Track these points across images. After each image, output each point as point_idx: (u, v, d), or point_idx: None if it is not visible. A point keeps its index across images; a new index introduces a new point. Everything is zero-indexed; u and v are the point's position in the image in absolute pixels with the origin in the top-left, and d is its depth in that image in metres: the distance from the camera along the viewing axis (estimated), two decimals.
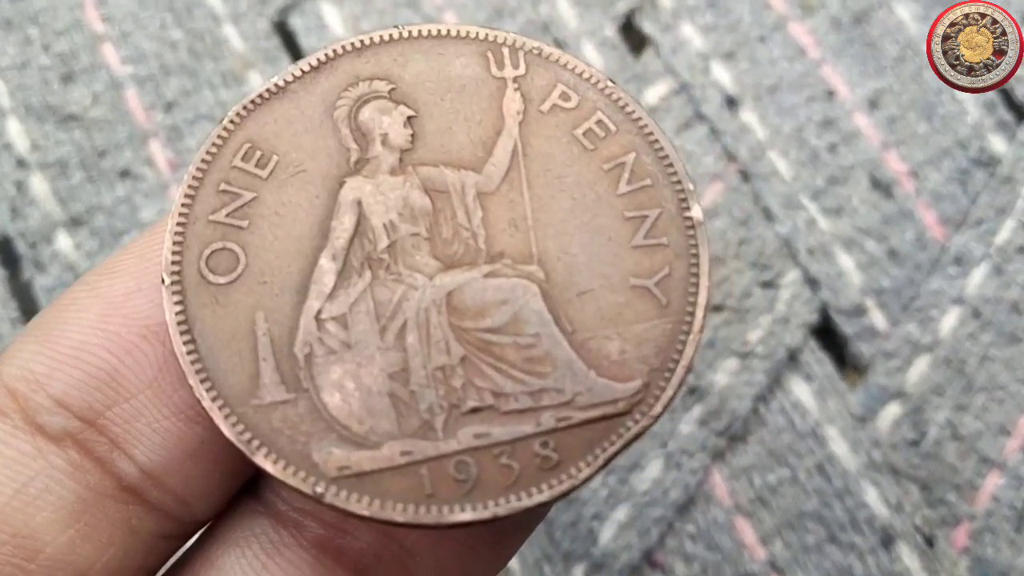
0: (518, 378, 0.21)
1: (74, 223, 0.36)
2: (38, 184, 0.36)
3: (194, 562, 0.22)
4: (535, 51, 0.22)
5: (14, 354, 0.22)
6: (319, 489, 0.20)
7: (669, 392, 0.21)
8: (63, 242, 0.35)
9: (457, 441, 0.20)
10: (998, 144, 0.36)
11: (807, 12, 0.38)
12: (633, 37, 0.38)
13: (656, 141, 0.22)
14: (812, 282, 0.34)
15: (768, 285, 0.35)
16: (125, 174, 0.36)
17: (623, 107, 0.22)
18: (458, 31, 0.22)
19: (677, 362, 0.21)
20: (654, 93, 0.37)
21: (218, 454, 0.22)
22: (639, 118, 0.22)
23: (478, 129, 0.22)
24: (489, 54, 0.22)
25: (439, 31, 0.22)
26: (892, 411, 0.33)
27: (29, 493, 0.21)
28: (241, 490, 0.23)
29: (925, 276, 0.34)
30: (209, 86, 0.37)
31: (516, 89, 0.22)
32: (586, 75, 0.22)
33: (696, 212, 0.21)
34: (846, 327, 0.34)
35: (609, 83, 0.22)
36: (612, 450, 0.20)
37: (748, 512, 0.33)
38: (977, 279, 0.34)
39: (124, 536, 0.21)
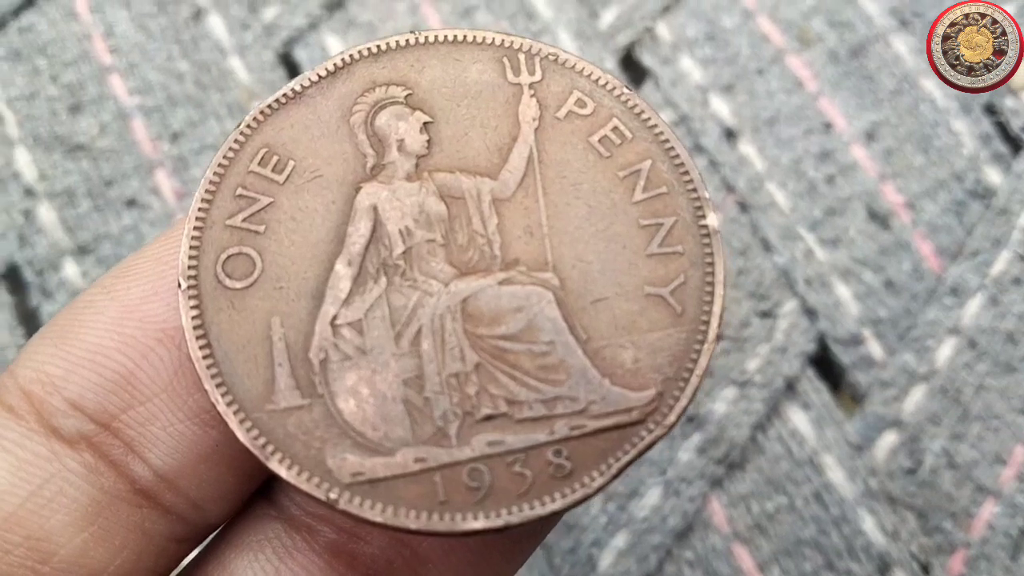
0: (532, 386, 0.20)
1: (81, 251, 0.36)
2: (46, 213, 0.36)
3: (207, 565, 0.22)
4: (551, 57, 0.22)
5: (30, 356, 0.22)
6: (333, 495, 0.20)
7: (683, 402, 0.20)
8: (70, 270, 0.36)
9: (471, 448, 0.20)
10: (994, 176, 0.36)
11: (805, 45, 0.38)
12: (633, 69, 0.38)
13: (672, 148, 0.22)
14: (810, 312, 0.35)
15: (766, 315, 0.35)
16: (132, 203, 0.36)
17: (639, 114, 0.22)
18: (474, 36, 0.22)
19: (691, 371, 0.20)
20: None
21: (232, 458, 0.21)
22: (655, 125, 0.22)
23: (494, 135, 0.22)
24: (505, 60, 0.22)
25: (455, 36, 0.22)
26: (889, 440, 0.33)
27: (43, 496, 0.21)
28: (254, 494, 0.23)
29: (921, 306, 0.35)
30: (215, 117, 0.37)
31: (532, 95, 0.22)
32: (602, 82, 0.22)
33: (712, 220, 0.21)
34: (843, 356, 0.34)
35: (625, 90, 0.22)
36: (625, 459, 0.20)
37: (746, 539, 0.33)
38: (973, 310, 0.34)
39: (137, 539, 0.21)
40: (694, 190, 0.21)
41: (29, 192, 0.37)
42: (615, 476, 0.20)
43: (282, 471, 0.20)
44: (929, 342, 0.34)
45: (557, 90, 0.22)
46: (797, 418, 0.34)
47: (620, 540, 0.33)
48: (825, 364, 0.35)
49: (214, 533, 0.23)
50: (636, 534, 0.33)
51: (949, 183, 0.36)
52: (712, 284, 0.21)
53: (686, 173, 0.21)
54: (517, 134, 0.22)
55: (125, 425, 0.21)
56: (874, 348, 0.34)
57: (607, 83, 0.22)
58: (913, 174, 0.36)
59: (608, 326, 0.21)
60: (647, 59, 0.38)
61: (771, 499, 0.33)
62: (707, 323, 0.21)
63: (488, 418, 0.20)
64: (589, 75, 0.22)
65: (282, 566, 0.22)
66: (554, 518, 0.21)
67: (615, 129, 0.22)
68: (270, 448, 0.20)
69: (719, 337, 0.21)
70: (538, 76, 0.22)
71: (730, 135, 0.37)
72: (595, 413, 0.20)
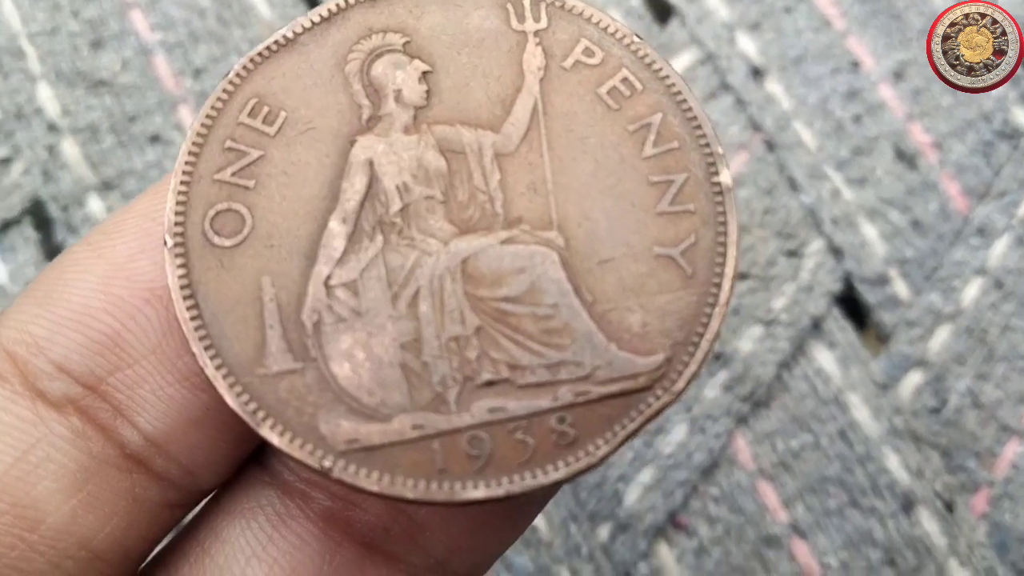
0: (535, 350, 0.19)
1: (105, 187, 0.35)
2: (69, 148, 0.36)
3: (198, 532, 0.21)
4: (557, 3, 0.21)
5: (13, 316, 0.21)
6: (327, 463, 0.19)
7: (693, 367, 0.19)
8: (94, 205, 0.35)
9: (471, 415, 0.19)
10: (1021, 117, 0.35)
11: None
12: (659, 6, 0.37)
13: (684, 101, 0.20)
14: (836, 251, 0.34)
15: (792, 254, 0.34)
16: (155, 139, 0.36)
17: (650, 64, 0.20)
18: None
19: (702, 336, 0.19)
20: (680, 63, 0.36)
21: (224, 422, 0.20)
22: (666, 76, 0.20)
23: (496, 86, 0.20)
24: (509, 6, 0.21)
25: None
26: (914, 379, 0.33)
27: (29, 461, 0.20)
28: (247, 459, 0.22)
29: (948, 247, 0.34)
30: (237, 53, 0.36)
31: (537, 44, 0.21)
32: (611, 30, 0.21)
33: (725, 177, 0.20)
34: (869, 296, 0.34)
35: (635, 39, 0.21)
36: (631, 427, 0.19)
37: (771, 476, 0.32)
38: (999, 250, 0.34)
39: (128, 506, 0.20)
40: (707, 145, 0.20)
41: (52, 127, 0.36)
42: (621, 444, 0.19)
43: (274, 438, 0.19)
44: (955, 282, 0.34)
45: (564, 38, 0.21)
46: (822, 357, 0.34)
47: (646, 475, 0.33)
48: (851, 303, 0.34)
49: (206, 499, 0.22)
50: (662, 470, 0.33)
51: (977, 123, 0.35)
52: (724, 245, 0.20)
53: (699, 127, 0.20)
54: (521, 85, 0.20)
55: (113, 388, 0.20)
56: (900, 288, 0.34)
57: (616, 31, 0.21)
58: (941, 114, 0.35)
59: (615, 288, 0.20)
60: None
61: (796, 437, 0.33)
62: (719, 285, 0.19)
63: (489, 384, 0.19)
64: (597, 23, 0.21)
65: (275, 533, 0.21)
66: (557, 486, 0.20)
67: (625, 80, 0.20)
68: (261, 414, 0.19)
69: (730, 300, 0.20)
70: (544, 23, 0.21)
71: (757, 74, 0.36)
72: (600, 379, 0.19)
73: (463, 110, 0.20)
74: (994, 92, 0.36)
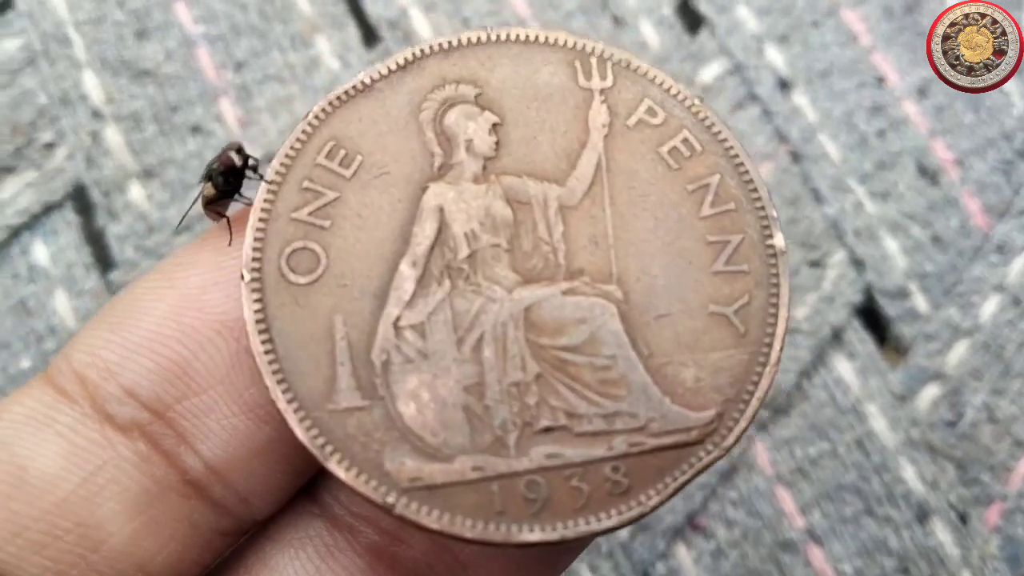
0: (592, 400, 0.20)
1: (146, 174, 0.35)
2: (112, 135, 0.35)
3: (247, 560, 0.22)
4: (623, 63, 0.21)
5: (85, 339, 0.21)
6: (390, 499, 0.19)
7: (743, 424, 0.20)
8: (136, 192, 0.35)
9: (529, 459, 0.19)
10: None
11: None
12: (690, 16, 0.37)
13: (741, 164, 0.21)
14: (858, 263, 0.34)
15: (815, 264, 0.34)
16: (196, 129, 0.35)
17: (709, 127, 0.21)
18: (546, 37, 0.21)
19: (752, 394, 0.20)
20: (709, 72, 0.36)
21: (284, 455, 0.21)
22: (725, 139, 0.21)
23: (563, 140, 0.21)
24: (577, 63, 0.21)
25: (527, 36, 0.21)
26: (931, 392, 0.33)
27: (96, 483, 0.20)
28: (297, 491, 0.22)
29: (967, 263, 0.34)
30: (278, 48, 0.36)
31: (603, 101, 0.21)
32: (673, 91, 0.21)
33: (779, 240, 0.20)
34: (889, 308, 0.34)
35: (696, 101, 0.21)
36: (682, 479, 0.19)
37: (788, 482, 0.32)
38: (1018, 267, 0.34)
39: (185, 531, 0.20)
40: (762, 208, 0.20)
41: (96, 114, 0.36)
42: (671, 495, 0.19)
43: (340, 472, 0.19)
44: (974, 298, 0.34)
45: (628, 97, 0.21)
46: (842, 367, 0.33)
47: None
48: (871, 315, 0.34)
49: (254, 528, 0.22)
50: None
51: (998, 142, 0.35)
52: (776, 306, 0.20)
53: (755, 190, 0.20)
54: (586, 140, 0.21)
55: (179, 415, 0.20)
56: (919, 301, 0.34)
57: (678, 93, 0.21)
58: (963, 132, 0.35)
59: (671, 343, 0.20)
60: (704, 7, 0.37)
61: (814, 444, 0.33)
62: (770, 345, 0.20)
63: (547, 430, 0.20)
64: (661, 84, 0.21)
65: (323, 565, 0.21)
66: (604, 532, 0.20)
67: (685, 141, 0.21)
68: (329, 448, 0.19)
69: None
70: (609, 82, 0.21)
71: (784, 85, 0.36)
72: (654, 431, 0.20)
73: (530, 162, 0.21)
74: (1016, 112, 0.35)
